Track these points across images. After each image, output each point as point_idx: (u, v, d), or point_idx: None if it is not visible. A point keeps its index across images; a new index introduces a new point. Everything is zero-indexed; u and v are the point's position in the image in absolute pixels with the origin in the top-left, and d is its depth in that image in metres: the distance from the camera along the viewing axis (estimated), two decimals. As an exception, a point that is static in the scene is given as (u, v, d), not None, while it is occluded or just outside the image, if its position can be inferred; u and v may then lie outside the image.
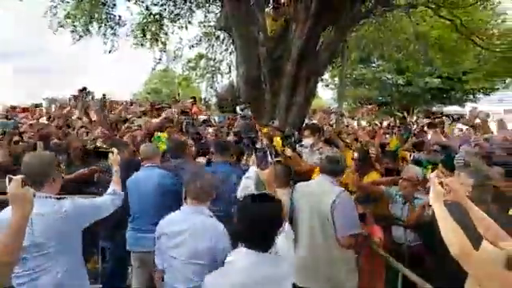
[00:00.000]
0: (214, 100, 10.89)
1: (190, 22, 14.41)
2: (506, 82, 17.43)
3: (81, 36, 12.83)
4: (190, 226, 2.74)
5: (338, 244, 3.18)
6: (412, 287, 3.20)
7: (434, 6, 12.07)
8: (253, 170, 3.70)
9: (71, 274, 2.58)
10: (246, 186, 3.55)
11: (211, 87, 16.24)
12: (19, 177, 2.00)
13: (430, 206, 3.73)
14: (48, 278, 2.46)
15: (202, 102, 10.74)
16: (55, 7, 12.09)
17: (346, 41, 10.81)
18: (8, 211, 2.23)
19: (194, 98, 9.96)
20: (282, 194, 3.01)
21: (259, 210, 2.21)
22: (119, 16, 13.21)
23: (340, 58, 11.55)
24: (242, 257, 2.21)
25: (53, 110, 8.45)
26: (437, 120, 7.30)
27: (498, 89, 20.29)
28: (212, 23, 15.23)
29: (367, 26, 13.66)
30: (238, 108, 5.27)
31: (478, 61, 14.51)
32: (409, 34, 13.79)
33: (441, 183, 2.36)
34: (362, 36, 14.45)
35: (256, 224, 2.19)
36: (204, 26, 15.26)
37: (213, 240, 2.65)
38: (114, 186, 3.19)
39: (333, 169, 3.34)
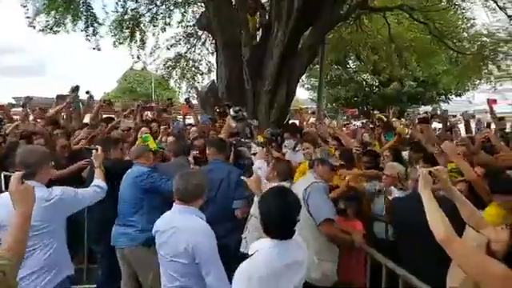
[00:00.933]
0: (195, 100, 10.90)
1: (168, 24, 14.41)
2: (476, 83, 18.07)
3: (54, 32, 12.66)
4: (174, 225, 2.75)
5: (311, 233, 3.30)
6: (394, 280, 3.29)
7: (408, 10, 12.47)
8: (261, 162, 3.81)
9: (58, 253, 2.89)
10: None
11: (192, 87, 16.29)
12: (18, 174, 2.02)
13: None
14: (40, 255, 2.78)
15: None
16: (25, 6, 11.89)
17: (325, 42, 11.01)
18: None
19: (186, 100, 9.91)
20: None
21: (281, 201, 2.31)
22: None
23: (318, 59, 11.75)
24: (268, 247, 2.29)
25: (28, 109, 8.19)
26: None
27: (468, 90, 21.09)
28: (191, 23, 15.29)
29: (344, 28, 13.97)
30: (231, 110, 5.26)
31: (450, 63, 15.00)
32: (384, 36, 14.17)
33: (429, 172, 2.46)
34: (338, 37, 14.71)
35: (278, 214, 2.28)
36: (182, 25, 15.30)
37: (192, 240, 2.65)
38: (98, 180, 3.43)
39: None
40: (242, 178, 3.49)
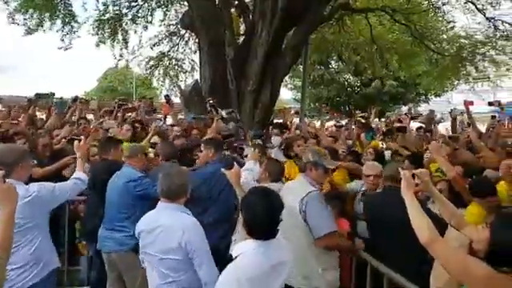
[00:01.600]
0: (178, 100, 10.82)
1: (150, 22, 14.27)
2: (455, 84, 18.42)
3: (32, 30, 12.40)
4: (162, 222, 2.79)
5: (311, 243, 3.17)
6: (379, 279, 3.31)
7: (390, 11, 12.65)
8: (251, 163, 3.77)
9: (43, 247, 2.96)
10: (247, 179, 3.69)
11: (175, 86, 16.16)
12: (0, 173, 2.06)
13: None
14: (25, 251, 2.84)
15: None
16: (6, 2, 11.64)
17: (309, 42, 11.08)
18: None
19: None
20: (275, 188, 3.04)
21: (265, 202, 2.31)
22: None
23: (301, 59, 11.81)
24: (253, 248, 2.28)
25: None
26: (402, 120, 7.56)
27: (447, 91, 21.52)
28: (173, 22, 15.17)
29: (327, 29, 14.06)
30: (223, 112, 5.24)
31: (430, 64, 15.26)
32: (366, 37, 14.32)
33: (413, 175, 2.48)
34: (321, 38, 14.81)
35: (264, 215, 2.28)
36: (164, 24, 15.17)
37: (185, 236, 2.67)
38: (78, 172, 3.43)
39: (300, 166, 3.54)
40: (222, 170, 3.45)
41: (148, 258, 2.86)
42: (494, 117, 8.72)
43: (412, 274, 3.00)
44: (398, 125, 7.17)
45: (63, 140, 5.51)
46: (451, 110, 7.79)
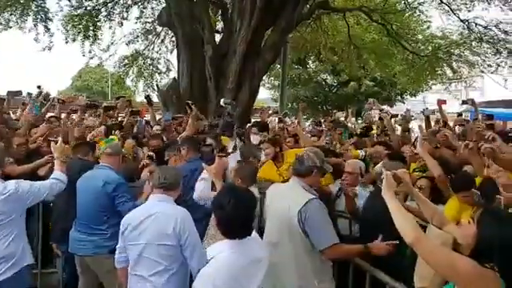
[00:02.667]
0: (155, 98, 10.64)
1: (125, 18, 14.00)
2: (429, 84, 18.79)
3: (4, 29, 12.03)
4: (155, 211, 2.79)
5: (309, 254, 2.97)
6: (361, 276, 3.27)
7: (367, 11, 12.78)
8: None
9: (17, 243, 3.07)
10: (201, 187, 3.65)
11: (149, 87, 15.93)
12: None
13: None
14: None
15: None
16: None
17: (288, 41, 11.08)
18: None
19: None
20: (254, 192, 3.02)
21: (236, 200, 2.25)
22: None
23: (279, 58, 11.81)
24: (228, 249, 2.24)
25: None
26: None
27: (422, 90, 21.94)
28: (149, 19, 14.93)
29: (304, 28, 14.11)
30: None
31: (407, 64, 15.48)
32: (344, 36, 14.44)
33: (394, 175, 2.45)
34: (299, 37, 14.85)
35: (237, 214, 2.23)
36: (141, 22, 14.90)
37: (179, 222, 2.70)
38: (57, 172, 3.40)
39: (301, 169, 3.10)
40: (203, 164, 3.47)
41: (134, 250, 2.80)
42: (461, 114, 8.93)
43: (394, 269, 3.00)
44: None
45: (40, 139, 5.30)
46: (423, 109, 7.91)
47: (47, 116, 6.50)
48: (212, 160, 3.70)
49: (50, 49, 12.92)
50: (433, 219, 2.60)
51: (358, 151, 5.82)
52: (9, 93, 6.57)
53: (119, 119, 7.07)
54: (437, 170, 3.88)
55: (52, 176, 3.36)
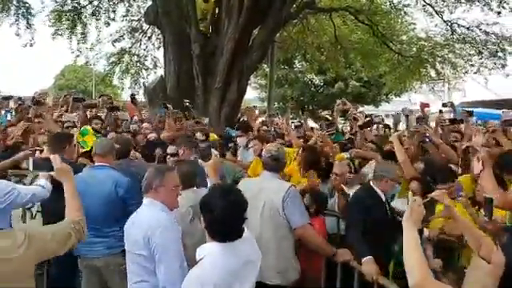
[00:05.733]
0: (141, 96, 10.58)
1: (112, 19, 13.86)
2: (414, 85, 19.03)
3: None
4: (135, 217, 2.70)
5: (286, 235, 3.23)
6: (349, 273, 3.32)
7: (354, 11, 12.91)
8: None
9: None
10: None
11: (136, 84, 15.80)
12: (56, 155, 2.63)
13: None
14: None
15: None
16: None
17: (275, 41, 11.10)
18: None
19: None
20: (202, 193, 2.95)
21: (225, 201, 2.14)
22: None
23: (267, 58, 11.83)
24: (217, 250, 2.14)
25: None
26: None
27: (407, 90, 22.22)
28: (135, 17, 14.80)
29: (291, 27, 14.16)
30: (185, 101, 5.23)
31: (392, 64, 15.67)
32: (330, 36, 14.54)
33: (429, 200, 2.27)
34: (286, 37, 14.89)
35: (225, 216, 2.13)
36: (127, 20, 14.77)
37: (149, 232, 2.52)
38: (43, 179, 3.06)
39: (276, 166, 3.41)
40: (200, 161, 3.39)
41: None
42: (441, 111, 9.09)
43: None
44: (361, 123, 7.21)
45: (17, 135, 5.20)
46: (402, 108, 8.06)
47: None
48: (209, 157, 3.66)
49: (31, 45, 12.73)
50: (479, 250, 2.23)
51: (343, 154, 5.85)
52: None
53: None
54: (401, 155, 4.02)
55: (38, 182, 3.08)
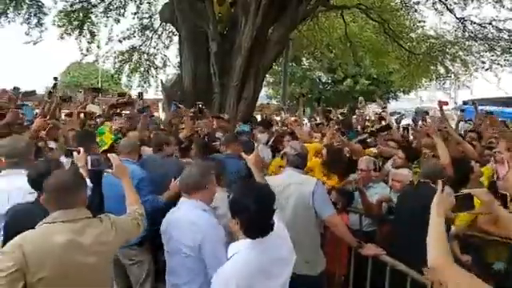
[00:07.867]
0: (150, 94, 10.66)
1: (122, 15, 13.87)
2: (423, 82, 19.03)
3: None
4: (175, 218, 2.71)
5: (314, 227, 3.37)
6: (381, 271, 3.35)
7: (365, 9, 12.92)
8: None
9: None
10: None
11: (145, 82, 15.83)
12: (114, 155, 2.85)
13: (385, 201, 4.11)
14: None
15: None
16: None
17: (291, 38, 11.11)
18: None
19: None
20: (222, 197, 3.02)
21: (256, 200, 2.15)
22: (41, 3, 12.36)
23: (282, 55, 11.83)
24: (248, 247, 2.17)
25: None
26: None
27: (415, 88, 22.24)
28: (146, 15, 14.82)
29: (301, 25, 14.16)
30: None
31: (401, 62, 15.66)
32: (340, 34, 14.55)
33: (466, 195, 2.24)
34: (296, 35, 14.90)
35: (263, 215, 2.15)
36: (137, 18, 14.79)
37: (198, 235, 2.55)
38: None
39: (301, 162, 3.55)
40: (243, 154, 3.36)
41: (166, 256, 2.82)
42: (464, 110, 9.09)
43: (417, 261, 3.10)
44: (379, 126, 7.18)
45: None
46: (416, 109, 8.02)
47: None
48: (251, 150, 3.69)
49: (35, 43, 12.76)
50: None
51: (371, 149, 5.90)
52: (24, 93, 6.40)
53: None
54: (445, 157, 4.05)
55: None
